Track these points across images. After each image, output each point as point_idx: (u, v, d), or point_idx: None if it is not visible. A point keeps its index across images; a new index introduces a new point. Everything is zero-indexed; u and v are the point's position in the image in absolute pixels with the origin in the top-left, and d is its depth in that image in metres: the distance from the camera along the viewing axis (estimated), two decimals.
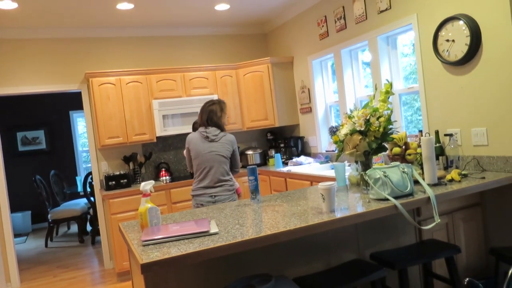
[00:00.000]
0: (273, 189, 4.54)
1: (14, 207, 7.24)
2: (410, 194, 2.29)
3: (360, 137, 2.49)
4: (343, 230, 2.39)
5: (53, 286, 4.34)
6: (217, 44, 5.45)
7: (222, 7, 4.53)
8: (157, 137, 4.90)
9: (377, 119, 2.48)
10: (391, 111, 2.55)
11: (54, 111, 7.95)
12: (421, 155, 2.57)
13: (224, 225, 2.11)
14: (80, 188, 6.62)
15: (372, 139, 2.49)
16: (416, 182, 2.48)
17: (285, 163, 4.87)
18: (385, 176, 2.26)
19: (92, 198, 5.97)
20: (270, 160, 5.05)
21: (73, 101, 7.94)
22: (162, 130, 4.66)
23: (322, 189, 2.12)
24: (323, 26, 4.42)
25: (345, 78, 4.22)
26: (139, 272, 1.67)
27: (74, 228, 7.29)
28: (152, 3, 4.15)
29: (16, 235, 6.98)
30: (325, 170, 4.23)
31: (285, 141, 5.06)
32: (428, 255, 2.27)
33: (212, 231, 1.94)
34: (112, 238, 4.31)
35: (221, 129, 3.24)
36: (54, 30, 4.61)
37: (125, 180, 4.50)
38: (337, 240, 2.37)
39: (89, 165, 7.87)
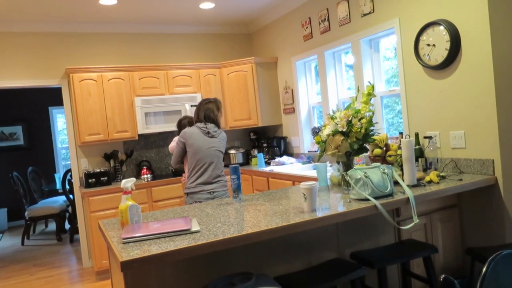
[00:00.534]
0: (256, 189, 4.55)
1: None
2: (390, 194, 2.33)
3: (342, 138, 2.51)
4: (324, 230, 2.41)
5: (29, 285, 4.25)
6: (201, 42, 5.43)
7: (207, 5, 4.51)
8: (139, 135, 4.85)
9: (359, 120, 2.51)
10: (373, 113, 2.58)
11: (33, 107, 7.79)
12: (401, 156, 2.62)
13: (206, 223, 2.11)
14: (59, 185, 6.50)
15: (353, 140, 2.52)
16: (396, 183, 2.53)
17: (267, 163, 4.89)
18: (366, 176, 2.30)
19: (71, 196, 5.86)
20: (253, 159, 5.05)
21: (53, 97, 7.80)
22: (144, 127, 4.62)
23: (304, 189, 2.14)
24: (307, 27, 4.45)
25: (328, 80, 4.26)
26: (119, 270, 1.65)
27: (52, 226, 7.15)
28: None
29: None
30: (307, 170, 4.26)
31: (268, 141, 5.07)
32: (407, 255, 2.31)
33: (193, 229, 1.94)
34: (91, 236, 4.25)
35: (218, 126, 3.29)
36: (34, 24, 4.52)
37: (106, 178, 4.44)
38: (318, 239, 2.39)
39: (69, 162, 7.74)
